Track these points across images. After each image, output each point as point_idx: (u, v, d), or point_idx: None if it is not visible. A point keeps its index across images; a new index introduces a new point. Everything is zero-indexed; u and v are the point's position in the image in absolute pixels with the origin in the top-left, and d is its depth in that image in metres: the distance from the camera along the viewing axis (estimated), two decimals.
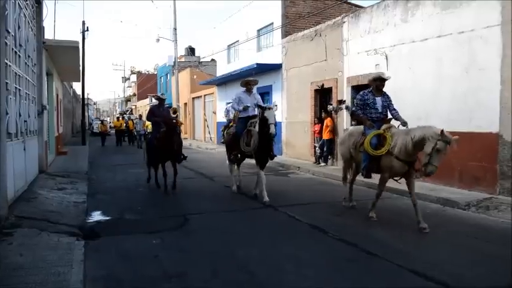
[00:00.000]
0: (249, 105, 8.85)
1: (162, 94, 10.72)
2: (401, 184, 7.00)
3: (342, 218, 7.16)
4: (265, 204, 8.03)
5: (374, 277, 4.57)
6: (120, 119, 32.50)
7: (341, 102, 13.42)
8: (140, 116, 27.05)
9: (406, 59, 10.74)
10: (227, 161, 10.02)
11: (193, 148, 23.74)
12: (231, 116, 12.22)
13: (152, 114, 10.13)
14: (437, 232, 6.25)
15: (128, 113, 50.95)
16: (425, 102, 10.05)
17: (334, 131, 13.69)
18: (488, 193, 8.46)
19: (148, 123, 29.43)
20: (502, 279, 4.44)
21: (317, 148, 14.34)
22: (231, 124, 12.02)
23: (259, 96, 9.53)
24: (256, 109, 8.80)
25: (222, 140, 13.20)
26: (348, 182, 8.12)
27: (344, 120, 13.36)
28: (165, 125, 9.30)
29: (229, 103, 12.72)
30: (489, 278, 4.48)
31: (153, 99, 11.10)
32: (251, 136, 8.42)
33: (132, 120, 30.91)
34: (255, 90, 9.57)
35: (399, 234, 6.13)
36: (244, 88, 9.22)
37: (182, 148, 9.76)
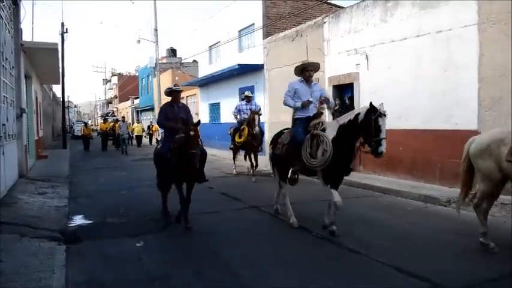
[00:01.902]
0: (310, 99, 6.51)
1: (175, 85, 7.30)
2: (382, 182, 7.06)
3: (325, 217, 7.19)
4: (333, 235, 6.06)
5: (357, 274, 4.61)
6: (108, 121, 29.28)
7: (322, 102, 13.49)
8: (123, 118, 26.25)
9: (386, 59, 10.87)
10: (278, 183, 7.29)
11: None
12: (245, 116, 12.21)
13: (164, 117, 7.04)
14: (420, 229, 6.35)
15: (109, 115, 50.26)
16: (404, 100, 10.17)
17: None
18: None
19: (135, 125, 28.92)
20: (483, 273, 4.52)
21: None
22: (243, 127, 12.04)
23: (321, 88, 7.21)
24: (317, 104, 6.58)
25: (231, 146, 12.99)
26: (485, 219, 5.33)
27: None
28: (184, 132, 6.34)
29: (240, 104, 12.78)
30: (471, 273, 4.55)
31: (166, 91, 7.32)
32: (318, 144, 5.99)
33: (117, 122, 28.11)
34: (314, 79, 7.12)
35: (382, 232, 6.20)
36: (300, 77, 6.71)
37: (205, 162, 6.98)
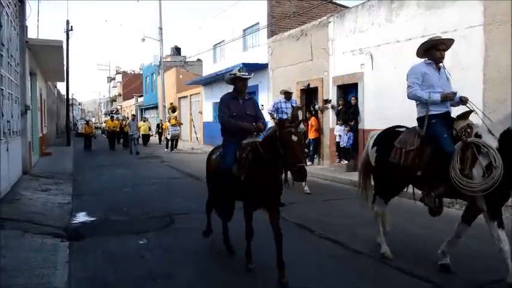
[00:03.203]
0: (454, 91, 5.04)
1: (240, 69, 5.20)
2: None
3: (328, 217, 7.19)
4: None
5: (360, 274, 4.60)
6: (115, 119, 27.34)
7: (327, 101, 13.50)
8: (134, 116, 24.30)
9: (391, 59, 10.84)
10: (375, 200, 5.40)
11: (180, 148, 23.58)
12: (284, 116, 9.58)
13: (226, 110, 5.13)
14: (422, 230, 6.32)
15: (114, 112, 50.30)
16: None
17: (319, 130, 13.78)
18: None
19: (141, 124, 27.98)
20: (485, 275, 4.50)
21: None
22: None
23: (449, 73, 5.30)
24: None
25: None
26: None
27: (330, 119, 13.44)
28: (281, 134, 4.17)
29: (278, 101, 10.47)
30: (473, 274, 4.54)
31: (228, 78, 5.27)
32: (475, 157, 4.25)
33: (126, 120, 27.25)
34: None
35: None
36: (428, 59, 5.02)
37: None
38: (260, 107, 13.09)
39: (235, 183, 4.64)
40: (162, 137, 27.29)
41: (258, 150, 4.44)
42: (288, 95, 10.51)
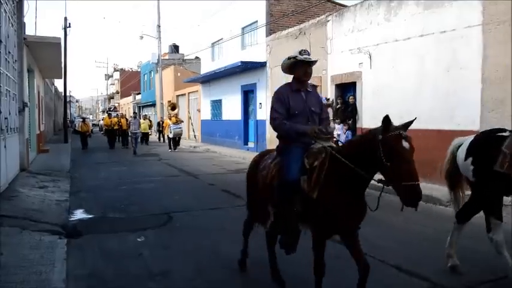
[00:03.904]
0: None
1: (301, 51, 3.89)
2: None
3: None
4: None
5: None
6: (113, 116, 26.07)
7: (325, 100, 13.52)
8: (135, 114, 23.70)
9: (389, 58, 10.84)
10: (491, 225, 4.31)
11: (181, 147, 23.55)
12: None
13: (282, 109, 3.96)
14: (421, 229, 6.34)
15: (111, 110, 50.17)
16: (407, 100, 10.16)
17: None
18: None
19: (141, 122, 25.72)
20: (483, 274, 4.51)
21: None
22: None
23: None
24: None
25: None
26: None
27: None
28: (364, 145, 3.35)
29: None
30: (471, 273, 4.54)
31: (285, 64, 3.97)
32: None
33: (125, 118, 26.71)
34: None
35: (383, 232, 6.19)
36: None
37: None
38: (258, 105, 13.00)
39: (303, 201, 3.55)
40: (164, 136, 26.16)
41: (337, 159, 3.40)
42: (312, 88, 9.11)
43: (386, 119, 3.13)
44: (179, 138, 22.01)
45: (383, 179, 3.25)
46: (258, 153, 4.94)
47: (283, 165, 3.79)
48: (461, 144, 4.77)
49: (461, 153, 4.67)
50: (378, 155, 3.13)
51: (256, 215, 4.52)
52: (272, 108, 3.99)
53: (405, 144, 3.06)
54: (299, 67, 3.89)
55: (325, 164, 3.47)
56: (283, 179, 3.72)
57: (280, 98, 3.95)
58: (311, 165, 3.56)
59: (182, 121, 24.01)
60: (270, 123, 4.04)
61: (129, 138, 22.35)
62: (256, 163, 4.48)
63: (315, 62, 3.96)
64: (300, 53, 3.87)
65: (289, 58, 3.93)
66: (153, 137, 30.17)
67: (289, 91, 3.96)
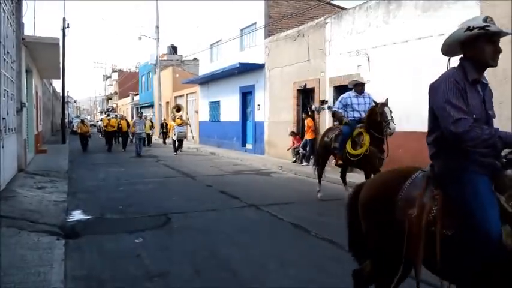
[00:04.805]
0: None
1: (489, 18, 2.69)
2: None
3: (324, 217, 7.20)
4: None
5: None
6: (112, 117, 25.02)
7: (323, 102, 13.54)
8: (141, 114, 22.59)
9: (388, 60, 10.87)
10: None
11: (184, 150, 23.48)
12: (356, 114, 8.22)
13: (462, 106, 2.51)
14: None
15: (109, 110, 50.12)
16: (405, 102, 10.17)
17: (315, 130, 13.82)
18: None
19: (149, 123, 24.76)
20: None
21: (300, 149, 14.43)
22: (357, 131, 7.88)
23: None
24: None
25: (339, 162, 8.51)
26: None
27: (326, 120, 13.46)
28: None
29: (348, 96, 8.44)
30: None
31: (459, 35, 2.65)
32: None
33: (125, 119, 25.73)
34: None
35: None
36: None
37: None
38: (256, 107, 12.93)
39: (506, 262, 2.27)
40: (168, 138, 25.23)
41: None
42: (359, 87, 8.41)
43: None
44: (182, 140, 20.97)
45: None
46: (378, 174, 3.42)
47: (472, 208, 2.38)
48: None
49: None
50: None
51: (380, 269, 3.00)
52: (447, 102, 2.50)
53: None
54: (483, 43, 2.61)
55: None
56: (477, 234, 2.30)
57: (457, 88, 2.56)
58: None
59: (188, 123, 23.04)
60: (447, 127, 2.49)
61: (133, 139, 21.52)
62: (386, 187, 2.86)
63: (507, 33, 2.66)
64: (486, 20, 2.59)
65: (469, 28, 2.61)
66: (157, 138, 29.35)
67: (465, 81, 2.61)
